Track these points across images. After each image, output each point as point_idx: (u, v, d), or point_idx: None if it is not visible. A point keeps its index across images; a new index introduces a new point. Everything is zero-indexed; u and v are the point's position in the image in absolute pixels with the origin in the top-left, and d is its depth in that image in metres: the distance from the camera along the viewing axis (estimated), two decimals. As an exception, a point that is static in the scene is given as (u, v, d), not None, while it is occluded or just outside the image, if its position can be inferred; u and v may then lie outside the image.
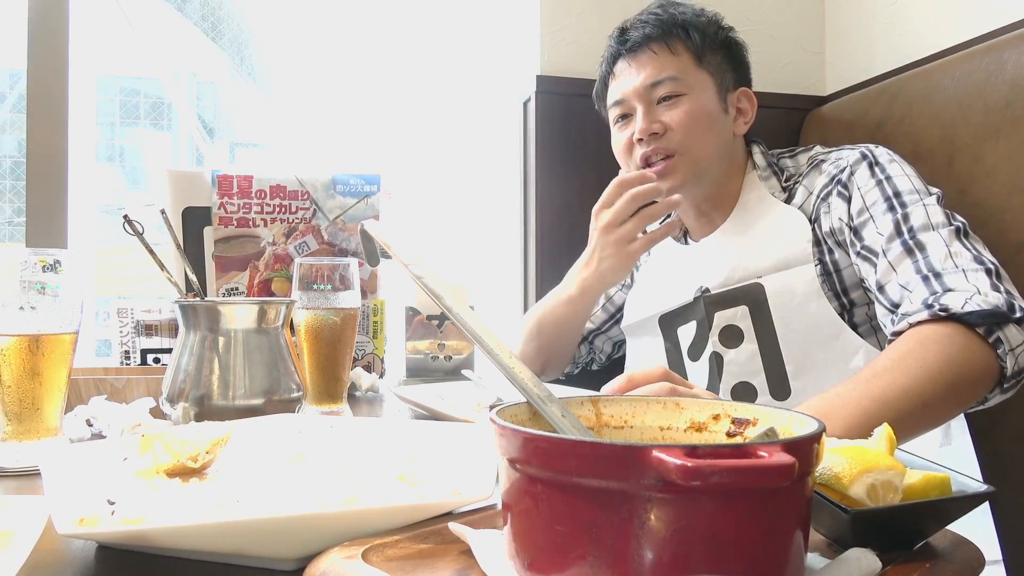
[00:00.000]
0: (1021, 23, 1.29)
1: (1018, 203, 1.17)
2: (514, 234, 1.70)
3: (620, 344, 1.44)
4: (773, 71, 1.76)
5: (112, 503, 0.52)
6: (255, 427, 0.74)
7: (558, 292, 1.29)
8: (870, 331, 1.09)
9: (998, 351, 0.85)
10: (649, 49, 1.18)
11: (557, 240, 1.62)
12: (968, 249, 0.94)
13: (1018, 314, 0.86)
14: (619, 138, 1.23)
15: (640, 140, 1.17)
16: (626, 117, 1.22)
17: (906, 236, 0.97)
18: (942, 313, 0.86)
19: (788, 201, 1.16)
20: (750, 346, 1.13)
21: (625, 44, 1.21)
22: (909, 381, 0.82)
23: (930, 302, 0.88)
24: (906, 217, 0.99)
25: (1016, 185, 1.18)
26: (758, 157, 1.22)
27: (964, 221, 0.99)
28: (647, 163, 1.18)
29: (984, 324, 0.85)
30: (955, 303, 0.86)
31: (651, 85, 1.17)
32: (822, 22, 1.80)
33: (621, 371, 1.36)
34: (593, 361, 1.48)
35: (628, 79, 1.20)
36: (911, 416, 0.81)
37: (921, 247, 0.96)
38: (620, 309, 1.40)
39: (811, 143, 1.26)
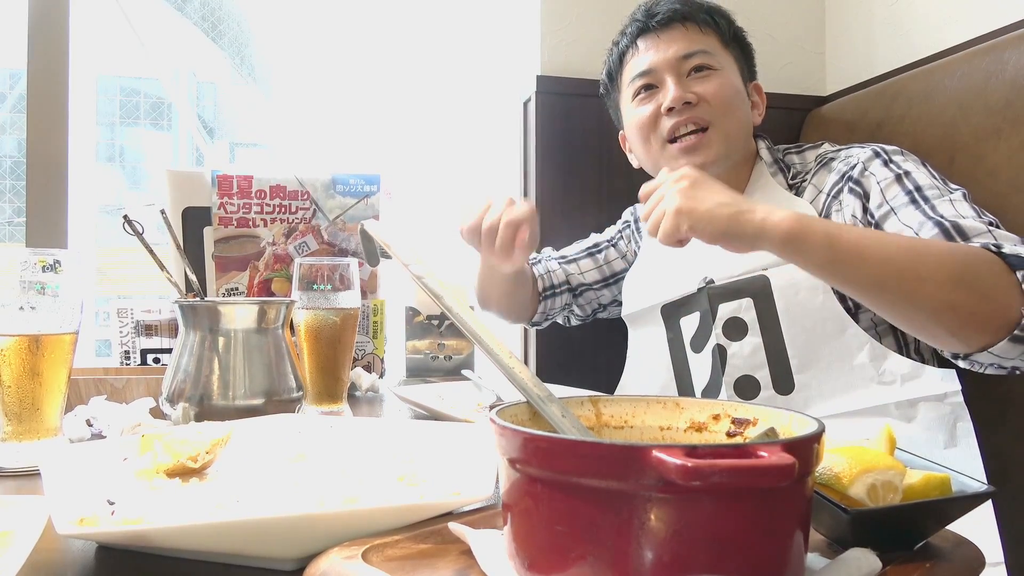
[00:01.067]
0: (1022, 23, 1.29)
1: (1019, 203, 1.17)
2: (514, 234, 1.70)
3: (606, 307, 1.45)
4: (773, 71, 1.75)
5: (112, 503, 0.52)
6: (255, 427, 0.74)
7: None
8: (876, 336, 1.08)
9: None
10: (680, 24, 1.19)
11: (557, 240, 1.62)
12: (1010, 235, 0.92)
13: None
14: (640, 112, 1.20)
15: (671, 110, 1.15)
16: (650, 88, 1.20)
17: (939, 219, 0.94)
18: (993, 248, 0.85)
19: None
20: (754, 339, 1.12)
21: (653, 18, 1.20)
22: (921, 251, 0.81)
23: (983, 241, 0.87)
24: (933, 208, 0.97)
25: (1017, 185, 1.18)
26: (764, 152, 1.22)
27: (995, 218, 0.96)
28: (674, 137, 1.16)
29: None
30: (1008, 246, 0.85)
31: (684, 56, 1.17)
32: (822, 22, 1.80)
33: (621, 358, 1.37)
34: (571, 316, 1.47)
35: (656, 52, 1.19)
36: (900, 278, 0.81)
37: (959, 229, 0.92)
38: (615, 275, 1.42)
39: (812, 143, 1.26)
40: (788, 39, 1.78)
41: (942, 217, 0.94)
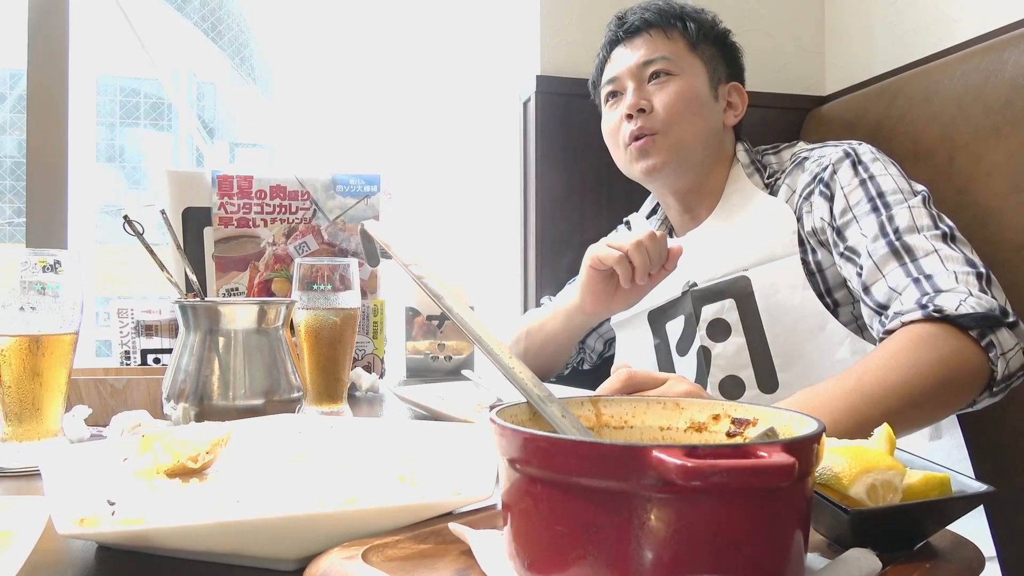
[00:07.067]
0: (1021, 23, 1.29)
1: (1017, 203, 1.17)
2: (514, 234, 1.70)
3: (611, 342, 1.44)
4: (773, 71, 1.76)
5: (112, 503, 0.52)
6: (255, 427, 0.74)
7: (554, 304, 1.31)
8: (856, 330, 1.09)
9: (990, 354, 0.85)
10: (646, 33, 1.23)
11: (557, 240, 1.62)
12: (957, 252, 0.93)
13: (1011, 318, 0.87)
14: (609, 117, 1.26)
15: (629, 116, 1.20)
16: (616, 95, 1.25)
17: (891, 237, 0.96)
18: (936, 314, 0.86)
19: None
20: (737, 339, 1.14)
21: (623, 28, 1.25)
22: (899, 379, 0.82)
23: (924, 302, 0.88)
24: (891, 219, 0.98)
25: (1016, 185, 1.18)
26: (742, 154, 1.24)
27: (951, 224, 0.98)
28: (635, 139, 1.20)
29: (978, 327, 0.85)
30: (949, 304, 0.86)
31: (643, 64, 1.21)
32: (822, 22, 1.80)
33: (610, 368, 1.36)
34: (584, 361, 1.48)
35: (623, 60, 1.23)
36: (899, 414, 0.81)
37: (908, 249, 0.95)
38: None
39: (788, 142, 1.26)
40: (787, 39, 1.78)
41: (896, 233, 0.97)
